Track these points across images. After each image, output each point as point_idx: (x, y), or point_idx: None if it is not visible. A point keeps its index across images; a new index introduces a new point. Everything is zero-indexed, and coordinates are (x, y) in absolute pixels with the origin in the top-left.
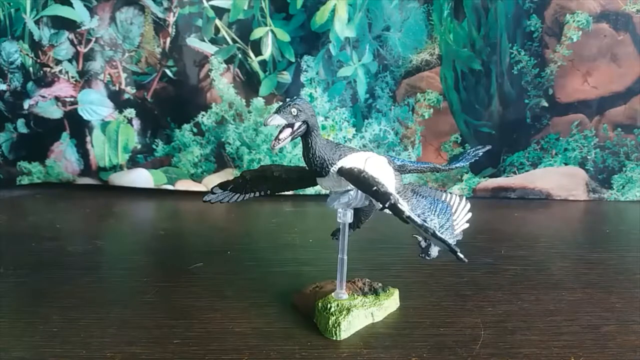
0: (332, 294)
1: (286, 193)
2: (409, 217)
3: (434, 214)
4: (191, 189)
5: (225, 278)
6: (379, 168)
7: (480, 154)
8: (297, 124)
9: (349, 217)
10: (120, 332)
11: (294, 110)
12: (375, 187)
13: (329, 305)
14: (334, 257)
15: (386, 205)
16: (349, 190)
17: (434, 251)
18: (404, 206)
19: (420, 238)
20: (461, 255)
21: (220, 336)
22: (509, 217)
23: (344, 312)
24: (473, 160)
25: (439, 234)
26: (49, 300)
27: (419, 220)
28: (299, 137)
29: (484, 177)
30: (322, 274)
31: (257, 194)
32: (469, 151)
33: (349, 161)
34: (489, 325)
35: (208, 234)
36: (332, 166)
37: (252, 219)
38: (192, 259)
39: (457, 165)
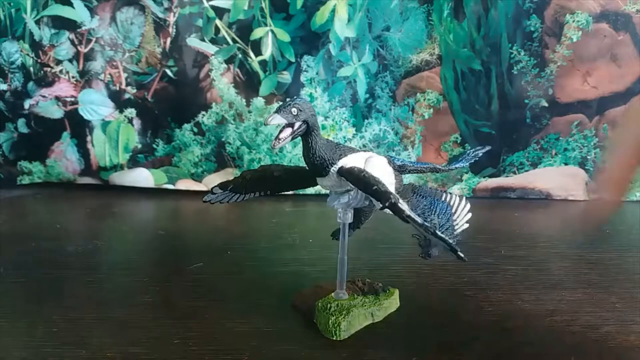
0: (332, 294)
1: (286, 193)
2: (409, 216)
3: (434, 214)
4: (191, 188)
5: (225, 278)
6: (379, 168)
7: (480, 154)
8: (297, 124)
9: (349, 217)
10: (120, 332)
11: (294, 110)
12: (375, 187)
13: (329, 305)
14: (334, 257)
15: (386, 205)
16: (349, 190)
17: (434, 251)
18: (403, 206)
19: (420, 238)
20: (461, 255)
21: (220, 336)
22: (509, 217)
23: (344, 312)
24: (473, 161)
25: (439, 233)
26: (49, 300)
27: (419, 220)
28: (299, 137)
29: (484, 177)
30: (322, 274)
31: (257, 194)
32: (468, 152)
33: (349, 161)
34: (489, 325)
35: (208, 234)
36: (332, 166)
37: (252, 219)
38: (192, 259)
39: (457, 165)
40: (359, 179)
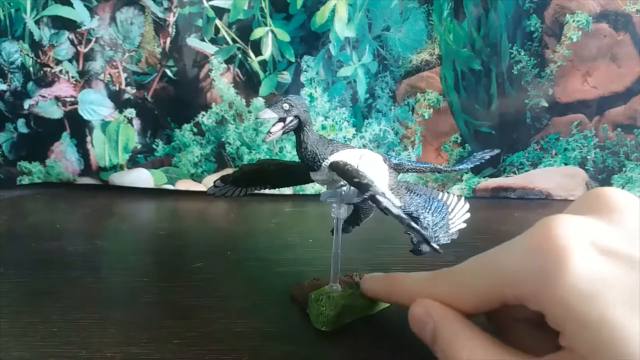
0: (326, 286)
1: (286, 193)
2: (386, 207)
3: (428, 212)
4: (191, 188)
5: (225, 278)
6: (372, 164)
7: (487, 157)
8: (288, 119)
9: (342, 211)
10: (120, 332)
11: (285, 105)
12: (357, 179)
13: (320, 297)
14: None
15: (365, 196)
16: (342, 185)
17: (425, 247)
18: (383, 198)
19: (412, 234)
20: (435, 246)
21: (220, 336)
22: (509, 217)
23: (334, 304)
24: (479, 163)
25: (412, 224)
26: (49, 300)
27: (395, 211)
28: (293, 133)
29: (484, 177)
30: (322, 274)
31: (258, 187)
32: (475, 154)
33: (341, 156)
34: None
35: (208, 234)
36: (323, 161)
37: (252, 219)
38: (192, 259)
39: (461, 167)
40: (343, 172)
